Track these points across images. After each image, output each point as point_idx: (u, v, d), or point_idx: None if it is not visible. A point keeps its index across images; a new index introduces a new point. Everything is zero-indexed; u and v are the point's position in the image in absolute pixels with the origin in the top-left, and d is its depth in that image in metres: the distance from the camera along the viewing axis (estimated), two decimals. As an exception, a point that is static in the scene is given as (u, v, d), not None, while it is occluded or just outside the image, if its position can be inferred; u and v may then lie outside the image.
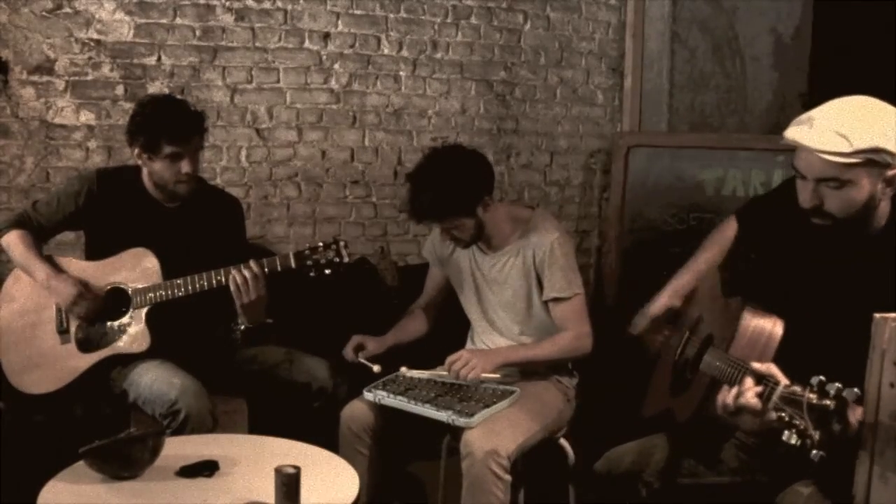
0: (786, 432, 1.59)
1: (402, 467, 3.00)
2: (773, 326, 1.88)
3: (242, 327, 2.63)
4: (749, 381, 1.71)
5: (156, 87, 3.33)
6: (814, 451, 1.55)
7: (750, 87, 4.38)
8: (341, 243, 2.52)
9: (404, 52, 3.70)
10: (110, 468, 2.03)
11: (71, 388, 2.63)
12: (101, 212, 2.69)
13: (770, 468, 2.00)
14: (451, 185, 2.51)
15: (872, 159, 1.76)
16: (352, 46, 3.61)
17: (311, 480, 1.91)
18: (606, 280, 4.00)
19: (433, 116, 3.80)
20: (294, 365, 2.74)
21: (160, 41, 3.34)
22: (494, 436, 2.36)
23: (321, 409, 2.67)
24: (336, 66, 3.60)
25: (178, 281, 2.56)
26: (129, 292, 2.63)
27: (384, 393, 2.54)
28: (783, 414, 1.61)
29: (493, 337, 2.73)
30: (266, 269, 2.52)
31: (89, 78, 3.28)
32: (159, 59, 3.35)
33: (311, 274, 2.52)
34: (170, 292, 2.57)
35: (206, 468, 2.07)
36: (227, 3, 3.41)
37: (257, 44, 3.47)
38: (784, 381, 1.67)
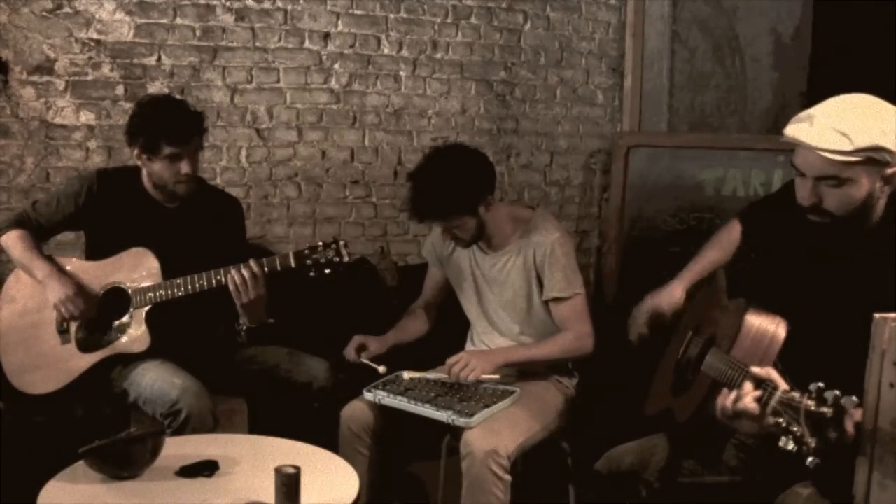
0: (783, 438, 1.59)
1: (402, 467, 3.00)
2: (776, 328, 1.87)
3: (245, 327, 2.63)
4: (748, 386, 1.71)
5: (156, 87, 3.33)
6: (810, 459, 1.55)
7: (750, 87, 4.38)
8: (341, 243, 2.52)
9: (404, 52, 3.70)
10: (110, 468, 2.03)
11: (71, 389, 2.63)
12: (101, 212, 2.69)
13: (770, 469, 2.00)
14: (453, 184, 2.51)
15: (872, 157, 1.76)
16: (352, 46, 3.61)
17: (311, 480, 1.91)
18: (606, 280, 4.00)
19: (433, 116, 3.80)
20: (294, 365, 2.74)
21: (160, 41, 3.34)
22: (494, 436, 2.36)
23: (321, 409, 2.67)
24: (336, 66, 3.60)
25: (178, 281, 2.56)
26: (129, 292, 2.63)
27: (384, 393, 2.54)
28: (780, 420, 1.60)
29: (493, 337, 2.73)
30: (266, 269, 2.52)
31: (89, 78, 3.28)
32: (159, 59, 3.35)
33: (311, 273, 2.51)
34: (170, 292, 2.57)
35: (206, 468, 2.07)
36: (227, 3, 3.41)
37: (257, 44, 3.47)
38: (783, 385, 1.67)
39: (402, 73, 3.71)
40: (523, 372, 2.65)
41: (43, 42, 3.21)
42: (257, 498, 1.90)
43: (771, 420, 1.63)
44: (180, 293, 2.56)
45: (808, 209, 1.87)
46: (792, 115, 1.88)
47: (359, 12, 3.61)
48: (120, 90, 3.31)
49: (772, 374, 1.71)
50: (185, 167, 2.59)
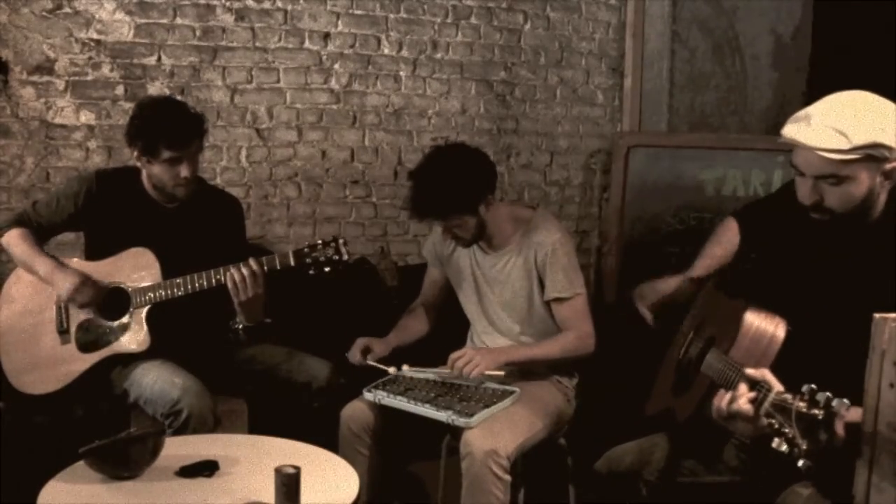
0: (775, 440, 1.59)
1: (402, 467, 3.00)
2: (775, 329, 1.87)
3: (241, 326, 2.63)
4: (743, 387, 1.71)
5: (156, 87, 3.33)
6: (801, 461, 1.55)
7: (750, 87, 4.38)
8: (341, 241, 2.52)
9: (404, 52, 3.70)
10: (110, 468, 2.03)
11: (71, 389, 2.63)
12: (101, 212, 2.69)
13: (770, 468, 2.00)
14: (454, 183, 2.51)
15: (871, 154, 1.76)
16: (352, 46, 3.61)
17: (311, 480, 1.91)
18: (606, 280, 4.00)
19: (433, 116, 3.80)
20: (294, 365, 2.74)
21: (160, 41, 3.34)
22: (494, 436, 2.36)
23: (321, 409, 2.67)
24: (336, 66, 3.60)
25: (178, 280, 2.56)
26: (129, 292, 2.63)
27: (384, 393, 2.54)
28: (773, 421, 1.61)
29: (494, 337, 2.73)
30: (265, 267, 2.52)
31: (89, 78, 3.28)
32: (159, 59, 3.35)
33: (311, 272, 2.52)
34: (169, 292, 2.57)
35: (206, 468, 2.07)
36: (227, 3, 3.41)
37: (257, 44, 3.47)
38: (777, 387, 1.67)
39: (402, 73, 3.71)
40: (523, 372, 2.65)
41: (43, 42, 3.21)
42: (257, 498, 1.90)
43: (764, 421, 1.63)
44: (180, 293, 2.56)
45: (810, 207, 1.87)
46: (792, 115, 1.88)
47: (359, 12, 3.61)
48: (120, 90, 3.31)
49: (766, 375, 1.71)
50: (184, 171, 2.59)
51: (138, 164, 2.65)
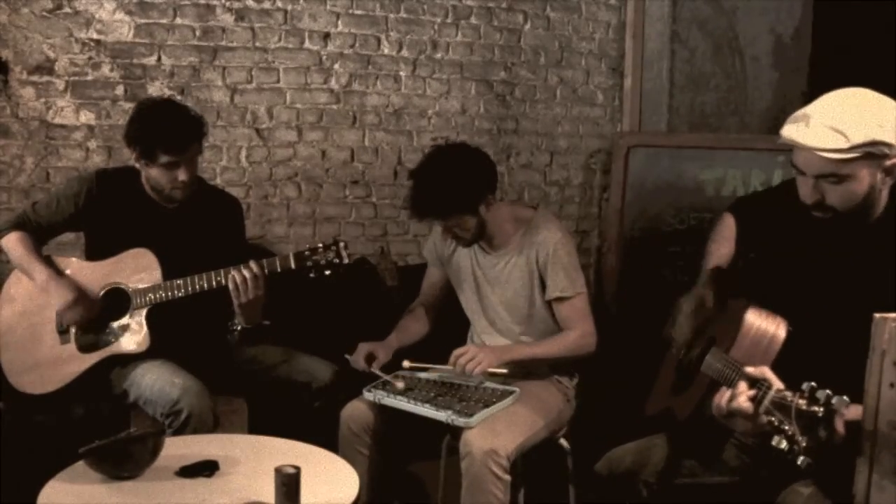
0: (775, 437, 1.59)
1: (402, 467, 3.00)
2: (776, 328, 1.87)
3: (239, 328, 2.63)
4: (742, 385, 1.71)
5: (156, 87, 3.33)
6: (801, 458, 1.55)
7: (750, 87, 4.38)
8: (341, 244, 2.53)
9: (404, 52, 3.70)
10: (110, 468, 2.03)
11: (71, 389, 2.63)
12: (101, 213, 2.69)
13: (770, 468, 2.00)
14: (454, 183, 2.51)
15: (870, 152, 1.76)
16: (352, 46, 3.61)
17: (311, 480, 1.91)
18: (606, 280, 4.00)
19: (433, 116, 3.80)
20: (294, 365, 2.74)
21: (160, 41, 3.34)
22: (494, 436, 2.36)
23: (321, 409, 2.67)
24: (336, 66, 3.60)
25: (178, 281, 2.57)
26: (129, 293, 2.63)
27: (384, 393, 2.54)
28: (773, 419, 1.61)
29: (494, 337, 2.73)
30: (266, 270, 2.52)
31: (89, 78, 3.28)
32: (159, 59, 3.35)
33: (311, 275, 2.52)
34: (170, 293, 2.57)
35: (206, 468, 2.07)
36: (227, 3, 3.41)
37: (257, 44, 3.47)
38: (777, 385, 1.67)
39: (402, 73, 3.71)
40: (523, 372, 2.65)
41: (43, 42, 3.21)
42: (257, 498, 1.90)
43: (764, 419, 1.64)
44: (180, 294, 2.57)
45: (812, 206, 1.87)
46: (791, 115, 1.88)
47: (359, 12, 3.61)
48: (120, 90, 3.31)
49: (766, 373, 1.71)
50: (181, 175, 2.59)
51: (137, 165, 2.65)
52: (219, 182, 3.42)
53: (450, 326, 2.88)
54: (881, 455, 1.56)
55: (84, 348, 2.64)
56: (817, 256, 1.95)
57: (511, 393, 2.51)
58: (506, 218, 2.67)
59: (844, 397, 1.54)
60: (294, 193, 3.61)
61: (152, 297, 2.59)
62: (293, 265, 2.51)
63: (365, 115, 3.67)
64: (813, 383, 1.57)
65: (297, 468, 1.83)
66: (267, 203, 3.57)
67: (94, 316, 2.63)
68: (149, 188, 2.69)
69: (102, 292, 2.66)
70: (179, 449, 2.17)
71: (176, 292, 2.57)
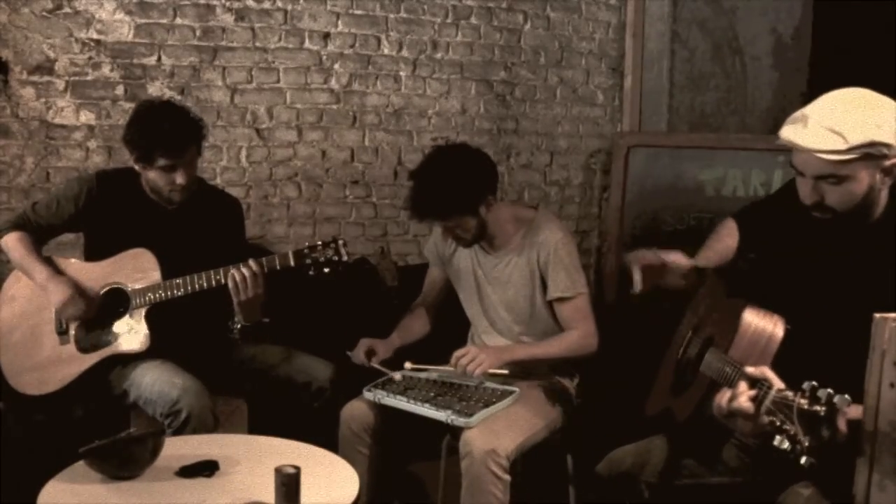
0: (777, 437, 1.59)
1: (402, 467, 3.00)
2: (773, 328, 1.88)
3: (239, 325, 2.63)
4: (743, 385, 1.71)
5: (156, 87, 3.33)
6: (804, 458, 1.55)
7: (750, 87, 4.38)
8: (340, 242, 2.52)
9: (404, 52, 3.70)
10: (110, 468, 2.03)
11: (71, 389, 2.63)
12: (101, 213, 2.69)
13: (770, 469, 2.00)
14: (454, 184, 2.51)
15: (869, 153, 1.76)
16: (352, 46, 3.61)
17: (311, 480, 1.91)
18: (606, 280, 4.00)
19: (433, 116, 3.80)
20: (294, 365, 2.74)
21: (160, 41, 3.34)
22: (494, 436, 2.36)
23: (321, 409, 2.67)
24: (336, 66, 3.60)
25: (178, 281, 2.56)
26: (129, 293, 2.63)
27: (384, 392, 2.54)
28: (775, 419, 1.61)
29: (494, 337, 2.73)
30: (265, 268, 2.52)
31: (89, 78, 3.28)
32: (159, 59, 3.35)
33: (311, 273, 2.52)
34: (169, 293, 2.57)
35: (206, 468, 2.07)
36: (227, 3, 3.41)
37: (257, 44, 3.47)
38: (778, 384, 1.67)
39: (402, 73, 3.71)
40: (523, 372, 2.65)
41: (43, 42, 3.21)
42: (257, 498, 1.90)
43: (765, 419, 1.63)
44: (180, 293, 2.56)
45: (811, 207, 1.88)
46: (791, 115, 1.88)
47: (359, 12, 3.61)
48: (120, 90, 3.31)
49: (766, 373, 1.71)
50: (179, 178, 2.58)
51: (136, 167, 2.65)
52: (219, 182, 3.42)
53: (450, 326, 2.88)
54: (882, 455, 1.56)
55: (84, 349, 2.64)
56: (817, 256, 1.95)
57: (511, 393, 2.51)
58: (506, 218, 2.67)
59: (846, 396, 1.54)
60: (294, 193, 3.61)
61: (152, 296, 2.59)
62: (293, 263, 2.51)
63: (365, 115, 3.67)
64: (814, 382, 1.57)
65: (297, 468, 1.83)
66: (267, 203, 3.57)
67: (93, 314, 2.63)
68: (148, 189, 2.69)
69: (102, 292, 2.66)
70: (179, 449, 2.17)
71: (175, 292, 2.57)
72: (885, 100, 1.80)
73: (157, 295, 2.58)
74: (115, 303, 2.64)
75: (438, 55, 3.77)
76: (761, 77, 4.38)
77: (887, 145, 1.76)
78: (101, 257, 2.69)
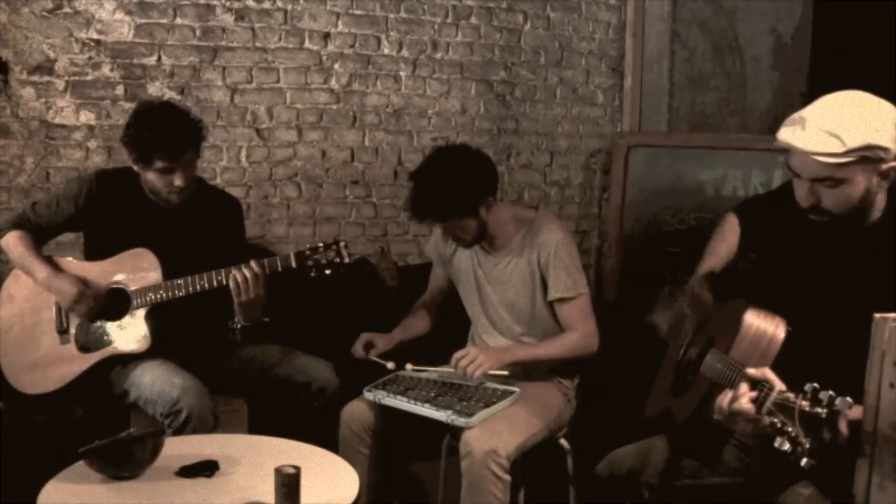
0: (778, 439, 1.59)
1: (402, 467, 3.00)
2: (775, 329, 1.87)
3: (239, 325, 2.63)
4: (744, 386, 1.71)
5: (156, 87, 3.33)
6: (804, 460, 1.55)
7: (750, 87, 4.38)
8: (342, 244, 2.53)
9: (404, 52, 3.70)
10: (110, 468, 2.03)
11: (71, 389, 2.63)
12: (101, 213, 2.69)
13: (770, 469, 2.00)
14: (453, 186, 2.50)
15: (866, 156, 1.76)
16: (352, 46, 3.61)
17: (311, 480, 1.91)
18: (606, 280, 4.00)
19: (433, 116, 3.80)
20: (294, 365, 2.74)
21: (160, 41, 3.34)
22: (494, 436, 2.36)
23: (321, 409, 2.67)
24: (336, 66, 3.60)
25: (179, 281, 2.57)
26: (130, 293, 2.63)
27: (384, 393, 2.54)
28: (776, 420, 1.61)
29: (495, 337, 2.73)
30: (267, 269, 2.52)
31: (89, 78, 3.27)
32: (159, 59, 3.34)
33: (312, 274, 2.52)
34: (170, 293, 2.57)
35: (206, 468, 2.07)
36: (227, 3, 3.41)
37: (257, 44, 3.47)
38: (779, 386, 1.67)
39: (402, 73, 3.71)
40: (524, 372, 2.65)
41: (43, 42, 3.21)
42: (257, 498, 1.90)
43: (766, 421, 1.63)
44: (181, 293, 2.57)
45: (808, 210, 1.87)
46: (791, 115, 1.88)
47: (359, 12, 3.61)
48: (120, 90, 3.31)
49: (767, 374, 1.71)
50: (177, 180, 2.58)
51: (135, 168, 2.64)
52: (219, 182, 3.42)
53: (451, 326, 2.88)
54: (882, 455, 1.56)
55: (84, 348, 2.64)
56: (816, 258, 1.95)
57: (511, 393, 2.51)
58: (507, 219, 2.67)
59: (848, 398, 1.54)
60: (294, 193, 3.61)
61: (152, 296, 2.59)
62: (294, 264, 2.52)
63: (365, 115, 3.67)
64: (815, 384, 1.57)
65: (297, 468, 1.83)
66: (267, 203, 3.57)
67: (100, 309, 2.63)
68: (148, 189, 2.69)
69: (102, 292, 2.66)
70: (179, 449, 2.17)
71: (176, 292, 2.57)
72: (883, 103, 1.80)
73: (159, 295, 2.59)
74: (116, 302, 2.64)
75: (438, 55, 3.77)
76: (761, 77, 4.38)
77: (884, 149, 1.76)
78: (101, 257, 2.69)
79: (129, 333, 2.61)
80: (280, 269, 2.52)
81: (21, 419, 2.66)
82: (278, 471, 1.83)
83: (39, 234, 2.74)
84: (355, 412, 2.59)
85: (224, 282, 2.52)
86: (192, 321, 2.63)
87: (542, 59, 3.98)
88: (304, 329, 2.98)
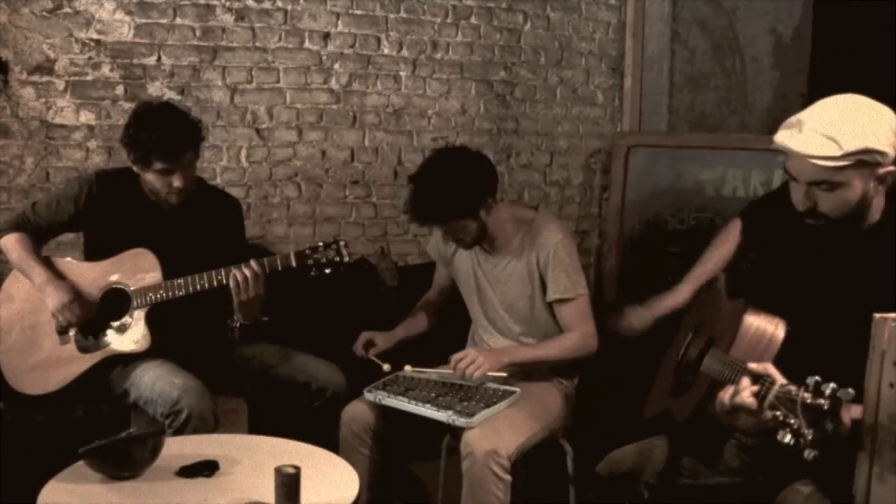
0: (780, 431, 1.59)
1: (402, 467, 3.00)
2: (774, 329, 1.88)
3: (238, 324, 2.63)
4: (746, 381, 1.71)
5: (156, 87, 3.33)
6: (807, 451, 1.56)
7: (750, 87, 4.38)
8: (341, 243, 2.53)
9: (404, 52, 3.70)
10: (110, 468, 2.03)
11: (71, 389, 2.63)
12: (101, 213, 2.69)
13: (770, 468, 2.00)
14: (453, 188, 2.50)
15: (863, 160, 1.76)
16: (352, 46, 3.61)
17: (311, 480, 1.91)
18: (606, 280, 4.00)
19: (433, 116, 3.80)
20: (294, 365, 2.74)
21: (160, 41, 3.34)
22: (495, 436, 2.36)
23: (321, 409, 2.67)
24: (336, 66, 3.60)
25: (179, 281, 2.57)
26: (129, 293, 2.63)
27: (384, 393, 2.54)
28: (778, 413, 1.61)
29: (495, 337, 2.73)
30: (267, 269, 2.52)
31: (89, 78, 3.27)
32: (159, 59, 3.34)
33: (312, 273, 2.52)
34: (170, 293, 2.57)
35: (206, 468, 2.07)
36: (227, 3, 3.41)
37: (257, 44, 3.47)
38: (781, 380, 1.67)
39: (402, 73, 3.71)
40: (524, 372, 2.65)
41: (43, 42, 3.21)
42: (257, 498, 1.90)
43: (769, 414, 1.64)
44: (181, 293, 2.57)
45: (804, 213, 1.87)
46: (792, 115, 1.88)
47: (359, 12, 3.61)
48: (120, 90, 3.31)
49: (769, 369, 1.71)
50: (176, 181, 2.58)
51: (135, 168, 2.64)
52: (219, 182, 3.42)
53: (451, 326, 2.88)
54: (882, 448, 1.57)
55: (84, 348, 2.64)
56: (814, 258, 1.95)
57: (512, 393, 2.51)
58: (507, 219, 2.67)
59: (850, 389, 1.54)
60: (294, 193, 3.61)
61: (153, 296, 2.59)
62: (294, 264, 2.52)
63: (365, 115, 3.67)
64: (817, 377, 1.57)
65: (297, 468, 1.83)
66: (267, 203, 3.57)
67: (90, 317, 2.63)
68: (147, 190, 2.69)
69: (101, 293, 2.66)
70: (179, 449, 2.17)
71: (176, 292, 2.57)
72: (880, 107, 1.80)
73: (159, 295, 2.59)
74: (116, 303, 2.64)
75: (438, 55, 3.77)
76: (761, 77, 4.38)
77: (882, 153, 1.76)
78: (101, 257, 2.69)
79: (129, 333, 2.61)
80: (280, 268, 2.52)
81: (21, 419, 2.66)
82: (278, 471, 1.83)
83: (39, 234, 2.74)
84: (356, 412, 2.59)
85: (224, 281, 2.52)
86: (193, 321, 2.63)
87: (542, 59, 3.98)
88: (304, 329, 2.98)
